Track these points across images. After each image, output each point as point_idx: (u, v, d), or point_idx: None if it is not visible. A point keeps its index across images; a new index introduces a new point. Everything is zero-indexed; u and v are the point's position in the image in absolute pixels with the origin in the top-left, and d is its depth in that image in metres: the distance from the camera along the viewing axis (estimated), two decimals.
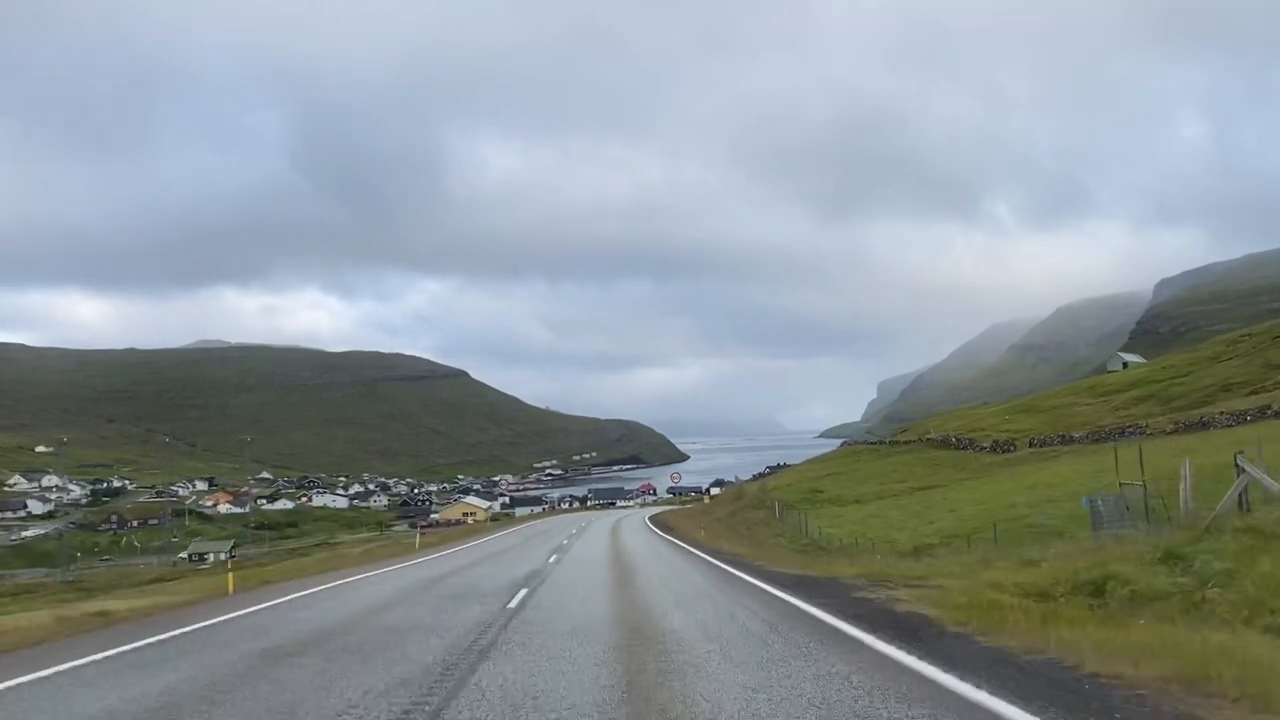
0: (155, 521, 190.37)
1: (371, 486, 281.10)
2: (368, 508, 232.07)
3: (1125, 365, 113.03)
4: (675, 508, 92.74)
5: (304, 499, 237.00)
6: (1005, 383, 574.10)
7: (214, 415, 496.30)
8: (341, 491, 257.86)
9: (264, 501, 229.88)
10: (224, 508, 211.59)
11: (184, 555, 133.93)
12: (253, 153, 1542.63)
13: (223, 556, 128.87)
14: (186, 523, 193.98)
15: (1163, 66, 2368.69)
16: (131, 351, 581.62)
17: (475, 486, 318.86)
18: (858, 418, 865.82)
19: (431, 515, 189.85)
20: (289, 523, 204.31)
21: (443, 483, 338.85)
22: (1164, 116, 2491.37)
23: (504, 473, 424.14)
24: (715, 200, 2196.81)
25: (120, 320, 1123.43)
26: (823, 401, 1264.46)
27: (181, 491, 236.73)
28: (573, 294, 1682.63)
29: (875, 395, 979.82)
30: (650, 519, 58.70)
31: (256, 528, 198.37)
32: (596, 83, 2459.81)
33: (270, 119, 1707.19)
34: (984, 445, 59.21)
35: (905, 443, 70.68)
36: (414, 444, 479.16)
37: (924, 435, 68.08)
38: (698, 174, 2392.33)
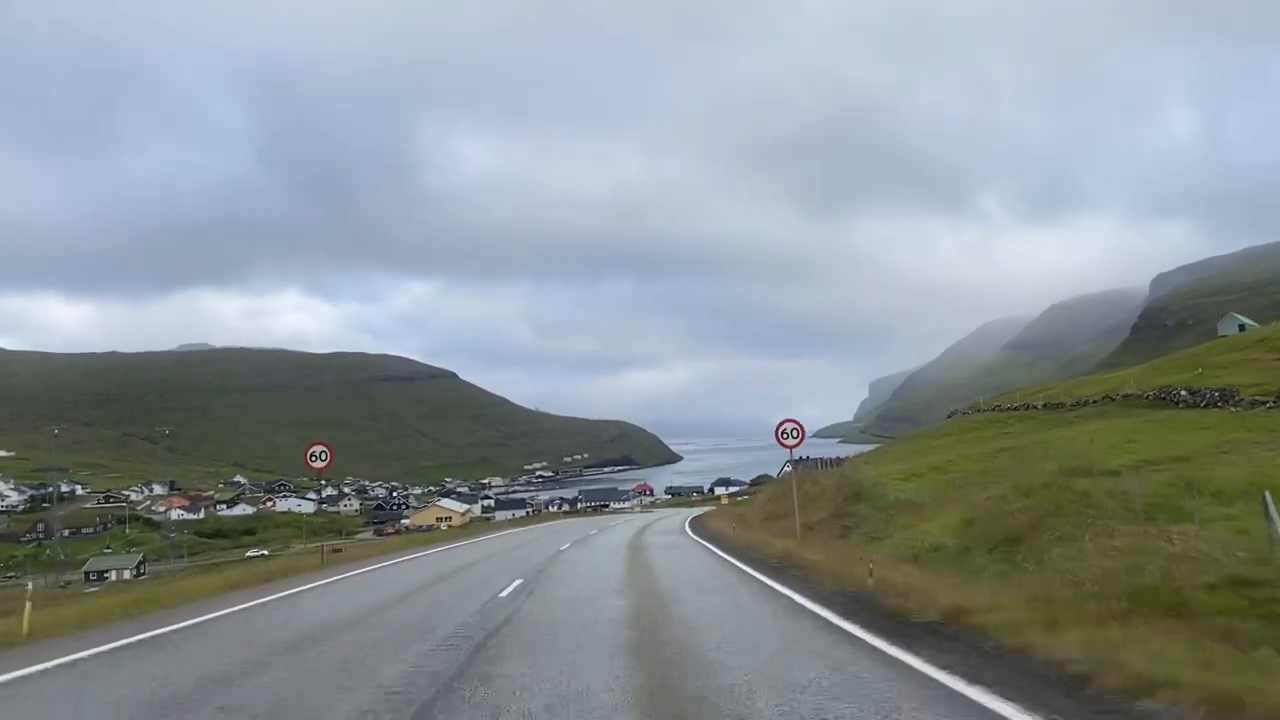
0: (90, 530, 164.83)
1: (347, 490, 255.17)
2: (337, 512, 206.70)
3: (1242, 328, 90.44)
4: (707, 509, 66.54)
5: (268, 503, 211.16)
6: (1001, 381, 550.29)
7: (194, 418, 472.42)
8: (313, 496, 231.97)
9: (224, 506, 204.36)
10: (175, 513, 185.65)
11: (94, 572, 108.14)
12: (224, 149, 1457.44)
13: (127, 574, 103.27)
14: (127, 531, 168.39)
15: (1153, 55, 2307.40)
16: (113, 355, 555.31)
17: (460, 489, 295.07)
18: (849, 417, 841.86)
19: (402, 520, 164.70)
20: (246, 529, 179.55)
21: (428, 486, 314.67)
22: (1155, 107, 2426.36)
23: (493, 474, 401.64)
24: (700, 196, 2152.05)
25: (102, 324, 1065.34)
26: (814, 402, 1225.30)
27: (134, 496, 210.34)
28: (559, 294, 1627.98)
29: (867, 394, 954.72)
30: (717, 544, 27.86)
31: (210, 536, 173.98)
32: (572, 74, 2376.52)
33: (241, 114, 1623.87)
34: (1249, 399, 35.02)
35: (1082, 404, 45.63)
36: (400, 446, 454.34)
37: (1115, 392, 43.44)
38: (681, 169, 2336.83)
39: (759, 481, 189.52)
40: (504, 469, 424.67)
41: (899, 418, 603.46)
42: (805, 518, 26.67)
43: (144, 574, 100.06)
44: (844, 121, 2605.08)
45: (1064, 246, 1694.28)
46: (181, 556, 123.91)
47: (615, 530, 45.37)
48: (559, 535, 42.01)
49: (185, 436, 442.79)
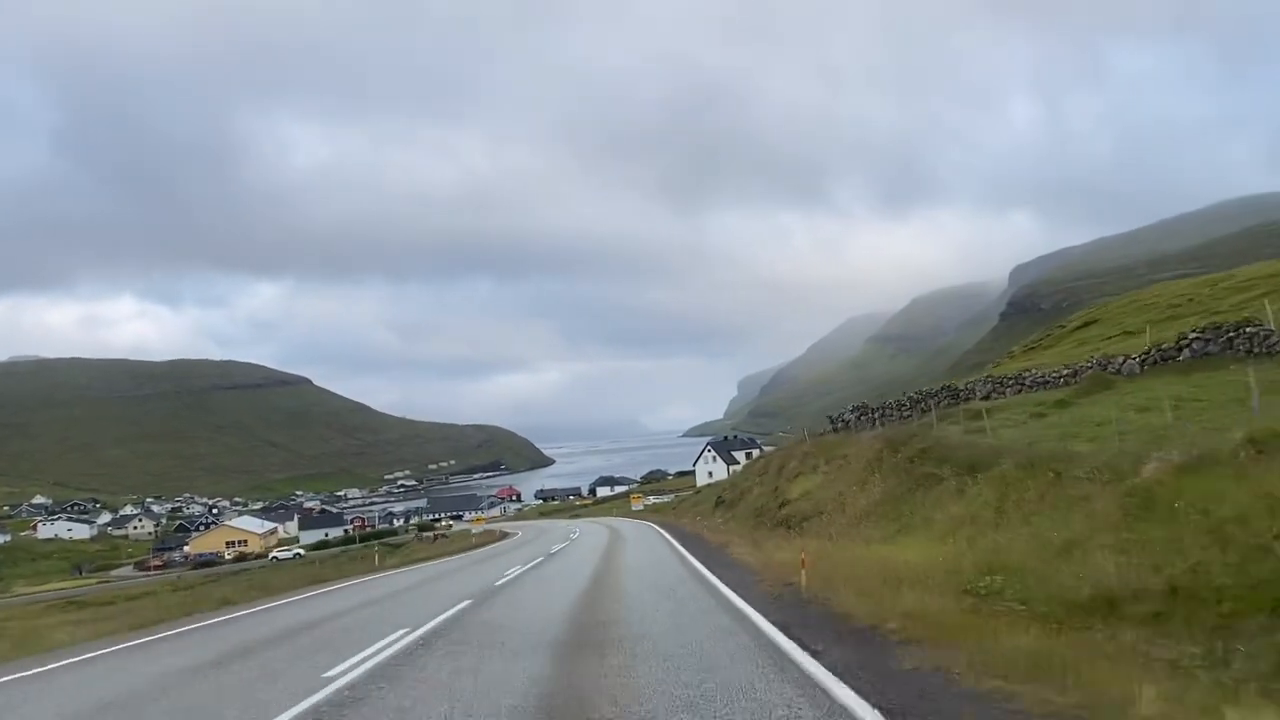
0: None
1: (157, 509, 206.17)
2: (125, 536, 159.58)
3: None
4: (647, 525, 29.16)
5: (34, 527, 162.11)
6: (867, 374, 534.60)
7: (12, 435, 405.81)
8: (106, 517, 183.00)
9: None
10: None
11: None
12: (22, 139, 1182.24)
13: None
14: None
15: (993, 45, 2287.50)
16: None
17: (310, 503, 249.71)
18: (720, 415, 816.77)
19: (184, 546, 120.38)
20: None
21: (278, 499, 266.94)
22: (997, 98, 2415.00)
23: (351, 486, 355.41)
24: (556, 189, 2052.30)
25: None
26: (684, 402, 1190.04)
27: None
28: (417, 295, 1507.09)
29: (736, 393, 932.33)
30: None
31: None
32: (407, 59, 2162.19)
33: (41, 99, 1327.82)
34: None
35: None
36: (247, 459, 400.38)
37: None
38: (532, 160, 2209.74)
39: (652, 478, 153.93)
40: (363, 479, 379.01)
41: (769, 413, 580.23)
42: None
43: None
44: (698, 111, 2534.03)
45: (920, 240, 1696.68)
46: None
47: None
48: None
49: (1, 455, 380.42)
